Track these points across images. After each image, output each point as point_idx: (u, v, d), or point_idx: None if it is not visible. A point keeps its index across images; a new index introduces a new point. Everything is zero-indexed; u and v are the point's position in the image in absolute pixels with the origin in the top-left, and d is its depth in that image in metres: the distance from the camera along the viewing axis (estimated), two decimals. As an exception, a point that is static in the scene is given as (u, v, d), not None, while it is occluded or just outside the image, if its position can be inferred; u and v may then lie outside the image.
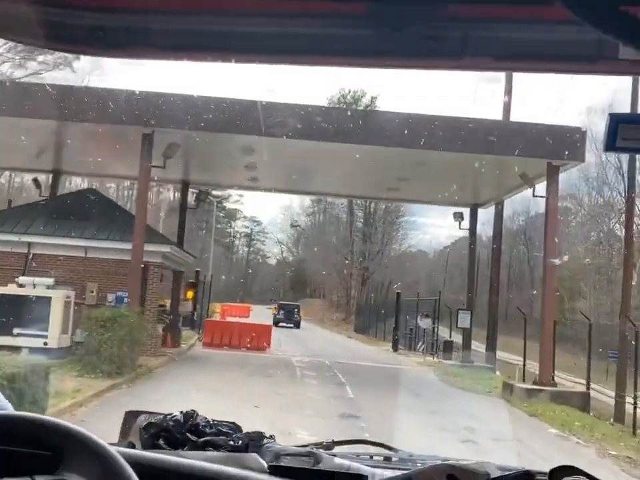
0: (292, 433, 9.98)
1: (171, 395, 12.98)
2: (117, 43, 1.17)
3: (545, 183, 20.03)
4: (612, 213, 46.71)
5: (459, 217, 27.03)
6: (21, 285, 18.61)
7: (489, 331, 27.23)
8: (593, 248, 49.34)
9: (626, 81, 21.62)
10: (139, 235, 19.06)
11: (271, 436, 1.72)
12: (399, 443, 2.17)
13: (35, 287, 18.37)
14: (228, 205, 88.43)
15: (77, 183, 45.74)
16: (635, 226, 28.48)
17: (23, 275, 19.63)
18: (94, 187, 32.99)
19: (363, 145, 19.22)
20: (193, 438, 1.68)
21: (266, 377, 18.66)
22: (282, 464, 1.48)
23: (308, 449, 1.66)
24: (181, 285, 27.84)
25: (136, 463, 1.16)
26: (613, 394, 18.76)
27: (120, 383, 15.33)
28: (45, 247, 20.81)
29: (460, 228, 27.63)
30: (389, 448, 2.01)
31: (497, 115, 28.30)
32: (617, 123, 1.20)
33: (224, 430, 1.75)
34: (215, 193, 63.77)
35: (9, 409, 1.49)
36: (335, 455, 1.63)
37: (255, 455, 1.48)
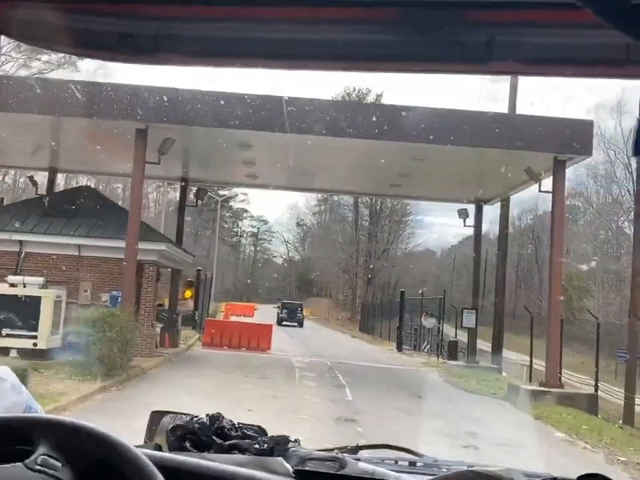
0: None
1: (161, 399, 12.43)
2: (145, 49, 1.20)
3: (552, 178, 19.48)
4: (621, 211, 46.32)
5: (463, 214, 26.46)
6: (12, 285, 18.16)
7: (495, 330, 26.75)
8: (602, 246, 48.97)
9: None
10: (132, 233, 18.52)
11: (296, 440, 1.71)
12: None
13: (25, 287, 17.92)
14: (234, 205, 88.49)
15: (83, 182, 45.28)
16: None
17: (15, 274, 19.18)
18: (100, 187, 32.53)
19: (366, 140, 18.68)
20: (219, 441, 1.68)
21: (263, 379, 18.14)
22: (307, 468, 1.50)
23: (333, 453, 1.68)
24: (180, 284, 27.41)
25: (163, 466, 1.18)
26: (621, 394, 18.33)
27: (109, 385, 14.83)
28: (37, 245, 20.29)
29: (465, 225, 27.02)
30: (414, 453, 2.03)
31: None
32: None
33: (249, 433, 1.76)
34: (221, 192, 63.50)
35: (39, 411, 1.52)
36: (359, 460, 1.62)
37: (280, 459, 1.47)
